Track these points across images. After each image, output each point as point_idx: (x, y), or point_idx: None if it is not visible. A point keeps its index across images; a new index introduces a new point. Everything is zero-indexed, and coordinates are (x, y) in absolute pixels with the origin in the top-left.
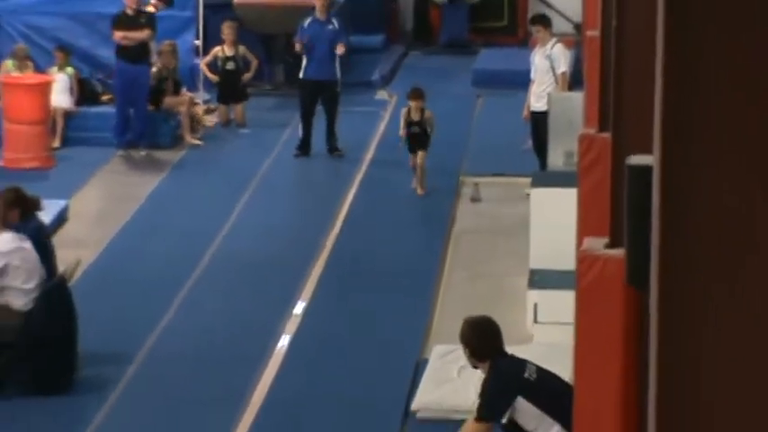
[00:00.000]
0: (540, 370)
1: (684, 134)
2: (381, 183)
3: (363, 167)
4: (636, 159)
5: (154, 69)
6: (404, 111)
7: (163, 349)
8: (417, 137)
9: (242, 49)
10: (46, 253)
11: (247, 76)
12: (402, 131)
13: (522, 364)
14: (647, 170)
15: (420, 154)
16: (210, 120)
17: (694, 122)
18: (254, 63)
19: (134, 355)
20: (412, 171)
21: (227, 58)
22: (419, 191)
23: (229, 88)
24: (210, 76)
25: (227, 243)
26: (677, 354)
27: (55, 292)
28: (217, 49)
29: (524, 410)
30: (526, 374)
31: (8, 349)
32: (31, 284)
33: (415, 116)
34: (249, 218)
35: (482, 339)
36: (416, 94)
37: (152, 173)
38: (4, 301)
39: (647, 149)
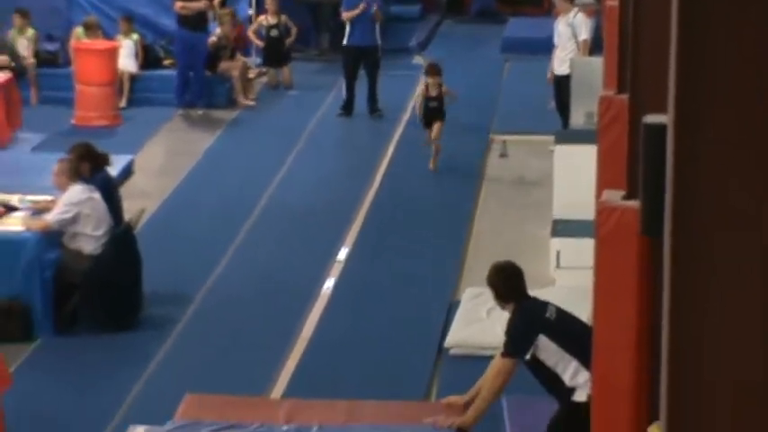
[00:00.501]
0: (559, 311)
1: (696, 95)
2: (417, 140)
3: (401, 127)
4: (651, 119)
5: (214, 38)
6: (420, 87)
7: (219, 291)
8: (434, 111)
9: (284, 17)
10: (113, 203)
11: (289, 40)
12: (418, 110)
13: (543, 305)
14: (661, 129)
15: (436, 126)
16: (254, 74)
17: (705, 85)
18: (294, 30)
19: (193, 296)
20: (429, 146)
21: (271, 26)
22: (432, 166)
23: (274, 53)
24: (257, 42)
25: (277, 194)
26: (688, 295)
27: (121, 238)
28: (261, 18)
29: (546, 348)
30: (547, 315)
31: (79, 290)
32: (100, 231)
33: (433, 92)
34: (297, 171)
35: (507, 283)
36: (434, 69)
37: (209, 130)
38: (75, 246)
39: (661, 109)
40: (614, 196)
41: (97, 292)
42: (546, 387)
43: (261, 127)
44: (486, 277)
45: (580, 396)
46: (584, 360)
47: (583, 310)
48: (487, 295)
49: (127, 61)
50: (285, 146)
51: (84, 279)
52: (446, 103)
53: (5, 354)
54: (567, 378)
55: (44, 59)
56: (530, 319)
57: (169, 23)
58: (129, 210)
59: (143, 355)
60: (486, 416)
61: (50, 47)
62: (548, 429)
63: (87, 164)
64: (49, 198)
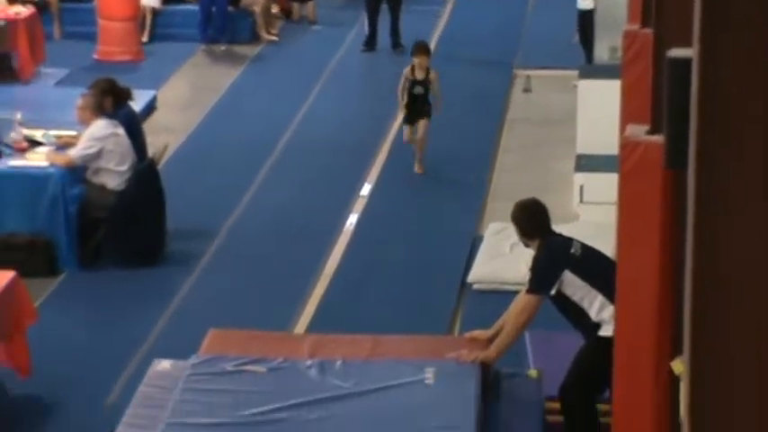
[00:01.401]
0: (584, 247)
1: (720, 29)
2: (440, 74)
3: None
4: (676, 52)
5: None
6: (406, 70)
7: (243, 226)
8: (420, 101)
9: None
10: (137, 138)
11: None
12: (401, 96)
13: (568, 241)
14: (686, 63)
15: (422, 123)
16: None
17: (730, 18)
18: None
19: (217, 231)
20: (411, 145)
21: None
22: (418, 168)
23: None
24: None
25: (300, 129)
26: (712, 229)
27: (145, 173)
28: None
29: (571, 283)
30: (572, 250)
31: (103, 225)
32: (124, 167)
33: (419, 74)
34: (320, 107)
35: (531, 220)
36: (421, 48)
37: (232, 66)
38: (99, 181)
39: (686, 43)
40: (638, 131)
41: (121, 228)
42: (572, 323)
43: (284, 62)
44: (510, 215)
45: (606, 331)
46: (610, 295)
47: (606, 245)
48: (510, 230)
49: None
50: (308, 81)
51: (109, 214)
52: (432, 98)
53: (30, 288)
54: (592, 313)
55: None
56: (555, 255)
57: None
58: (153, 145)
59: (167, 289)
60: (509, 350)
61: None
62: (573, 364)
63: (110, 99)
64: (72, 133)
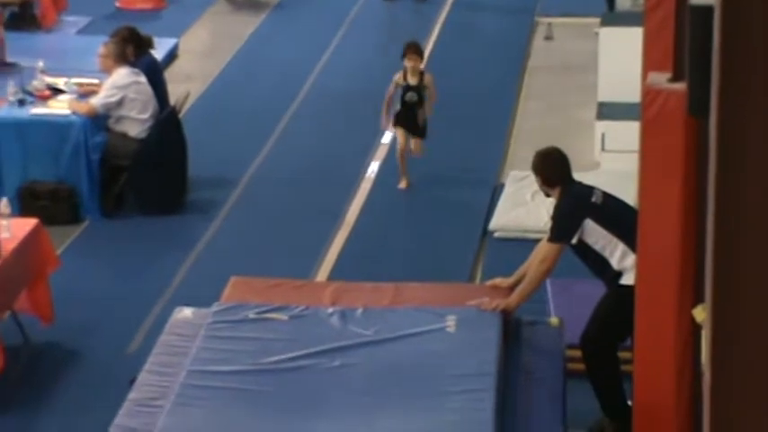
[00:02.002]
0: (606, 195)
1: None
2: (462, 25)
3: (445, 11)
4: (698, 0)
5: None
6: (397, 75)
7: (264, 175)
8: (413, 110)
9: None
10: (158, 86)
11: None
12: (386, 107)
13: (589, 189)
14: (708, 9)
15: (415, 143)
16: None
17: None
18: None
19: (238, 179)
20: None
21: None
22: (403, 184)
23: None
24: None
25: (322, 78)
26: (733, 175)
27: (167, 121)
28: None
29: (592, 231)
30: (593, 199)
31: (126, 173)
32: (146, 115)
33: (412, 79)
34: (342, 55)
35: (552, 168)
36: (413, 48)
37: (253, 14)
38: (121, 129)
39: None
40: (660, 79)
41: (143, 176)
42: (594, 271)
43: (305, 11)
44: (531, 164)
45: (627, 279)
46: (631, 243)
47: (628, 193)
48: (532, 178)
49: None
50: (329, 30)
51: (131, 162)
52: (426, 106)
53: (53, 236)
54: (614, 262)
55: None
56: (576, 203)
57: None
58: (174, 93)
59: (189, 237)
60: (530, 298)
61: None
62: (594, 313)
63: (132, 47)
64: (94, 81)
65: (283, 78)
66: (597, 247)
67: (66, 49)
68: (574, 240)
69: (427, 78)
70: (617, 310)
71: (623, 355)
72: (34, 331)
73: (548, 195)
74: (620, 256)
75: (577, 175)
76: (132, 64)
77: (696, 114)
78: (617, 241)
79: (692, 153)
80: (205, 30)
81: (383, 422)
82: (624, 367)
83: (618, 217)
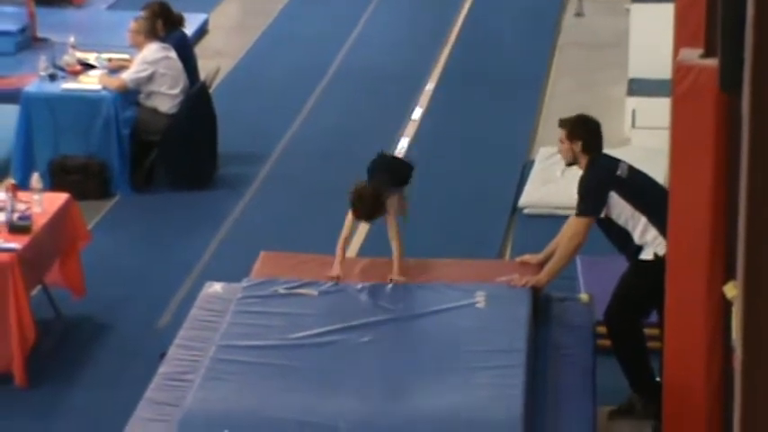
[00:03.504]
0: (631, 168)
1: None
2: (492, 1)
3: None
4: None
5: None
6: (348, 217)
7: (294, 150)
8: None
9: None
10: (189, 62)
11: None
12: (339, 255)
13: (615, 162)
14: None
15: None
16: None
17: None
18: None
19: (268, 155)
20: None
21: None
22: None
23: None
24: None
25: (351, 54)
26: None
27: (197, 97)
28: None
29: (616, 205)
30: (619, 172)
31: (156, 148)
32: (176, 90)
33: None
34: (371, 31)
35: (593, 135)
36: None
37: None
38: (151, 105)
39: None
40: (692, 54)
41: (174, 151)
42: (617, 246)
43: None
44: (569, 125)
45: (647, 254)
46: (654, 218)
47: (658, 170)
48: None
49: None
50: (359, 6)
51: (161, 138)
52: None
53: (84, 211)
54: (636, 236)
55: None
56: (601, 176)
57: None
58: (204, 68)
59: (219, 213)
60: (559, 275)
61: None
62: (616, 289)
63: (162, 22)
64: (125, 56)
65: (313, 54)
66: (621, 221)
67: (96, 25)
68: (602, 214)
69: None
70: (638, 285)
71: (650, 331)
72: (65, 305)
73: (571, 164)
74: (642, 231)
75: (607, 152)
76: (162, 39)
77: (728, 90)
78: (639, 215)
79: (723, 129)
80: (235, 5)
81: (412, 397)
82: (651, 344)
83: (642, 191)
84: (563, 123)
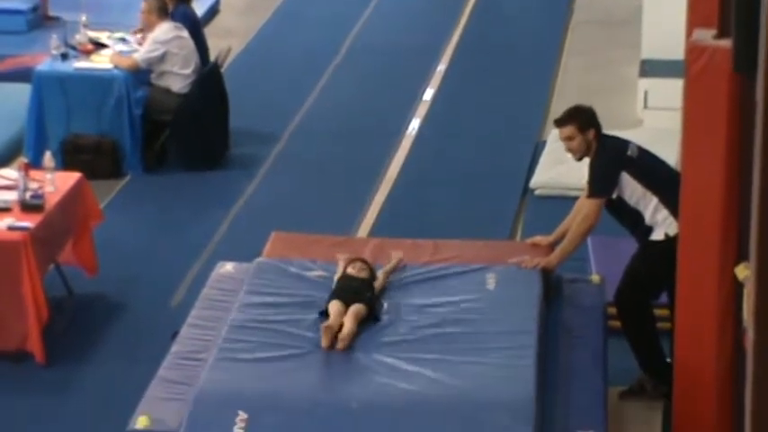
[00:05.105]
0: (641, 149)
1: None
2: None
3: None
4: None
5: None
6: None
7: (305, 130)
8: (356, 292)
9: None
10: (199, 41)
11: None
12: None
13: (624, 143)
14: None
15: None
16: None
17: None
18: None
19: (280, 134)
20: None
21: None
22: (341, 345)
23: None
24: None
25: (363, 34)
26: None
27: (209, 76)
28: None
29: (627, 185)
30: (629, 152)
31: (168, 128)
32: (188, 70)
33: (361, 273)
34: (383, 11)
35: (597, 118)
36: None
37: None
38: (163, 84)
39: None
40: (705, 35)
41: (185, 130)
42: (627, 227)
43: None
44: (577, 120)
45: (658, 235)
46: (665, 198)
47: (670, 151)
48: None
49: None
50: None
51: (173, 117)
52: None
53: (95, 190)
54: (647, 216)
55: None
56: (612, 156)
57: None
58: (216, 48)
59: (231, 192)
60: (571, 256)
61: None
62: (626, 269)
63: (174, 2)
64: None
65: (324, 33)
66: (632, 201)
67: (108, 3)
68: (614, 195)
69: (380, 281)
70: (649, 266)
71: (659, 312)
72: (78, 284)
73: (582, 157)
74: (652, 211)
75: (620, 133)
76: (174, 17)
77: (741, 71)
78: (651, 195)
79: (736, 110)
80: None
81: (423, 377)
82: (661, 325)
83: (653, 171)
84: (566, 120)
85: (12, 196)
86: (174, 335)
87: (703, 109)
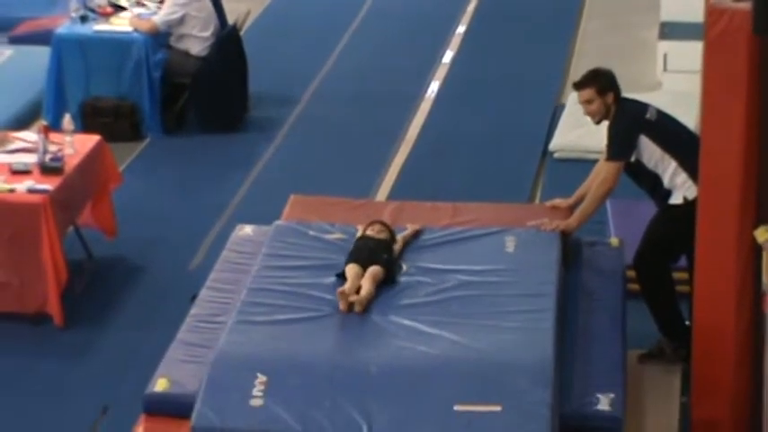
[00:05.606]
0: (660, 112)
1: None
2: None
3: None
4: None
5: None
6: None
7: (324, 93)
8: (374, 252)
9: None
10: (219, 4)
11: None
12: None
13: (643, 106)
14: None
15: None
16: None
17: None
18: None
19: (299, 98)
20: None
21: None
22: (358, 308)
23: None
24: None
25: None
26: None
27: (228, 39)
28: None
29: (646, 148)
30: (648, 115)
31: (187, 91)
32: (207, 33)
33: (381, 234)
34: None
35: (616, 81)
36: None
37: None
38: (183, 47)
39: None
40: None
41: (204, 93)
42: (646, 190)
43: None
44: (596, 83)
45: (677, 198)
46: (684, 161)
47: (690, 114)
48: None
49: None
50: None
51: (192, 80)
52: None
53: (115, 152)
54: (666, 180)
55: None
56: (631, 119)
57: None
58: (234, 11)
59: (249, 155)
60: (590, 219)
61: None
62: (645, 233)
63: None
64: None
65: None
66: (650, 164)
67: None
68: (633, 158)
69: (398, 244)
70: (667, 229)
71: (678, 275)
72: (97, 247)
73: (601, 121)
74: (671, 174)
75: (639, 96)
76: None
77: (761, 34)
78: (669, 159)
79: (755, 73)
80: None
81: (442, 340)
82: (680, 288)
83: (671, 134)
84: (585, 83)
85: (31, 159)
86: (193, 297)
87: (722, 72)
